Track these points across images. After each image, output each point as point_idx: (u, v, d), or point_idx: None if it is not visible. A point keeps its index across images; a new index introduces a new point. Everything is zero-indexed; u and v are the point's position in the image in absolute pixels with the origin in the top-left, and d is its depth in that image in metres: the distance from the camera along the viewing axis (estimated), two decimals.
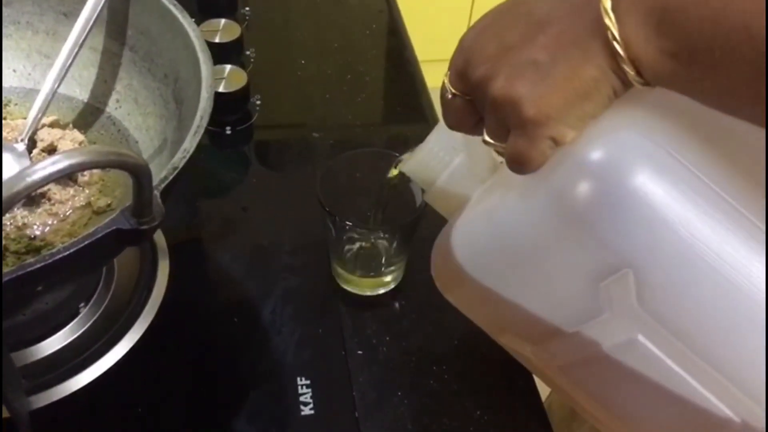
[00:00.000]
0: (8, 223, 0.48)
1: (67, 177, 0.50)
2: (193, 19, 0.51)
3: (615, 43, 0.30)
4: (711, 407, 0.35)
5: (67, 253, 0.35)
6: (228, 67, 0.74)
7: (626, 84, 0.31)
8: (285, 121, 0.78)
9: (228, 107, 0.73)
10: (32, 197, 0.49)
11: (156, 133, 0.53)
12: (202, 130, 0.43)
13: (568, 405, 0.64)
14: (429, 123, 0.77)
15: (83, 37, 0.52)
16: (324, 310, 0.60)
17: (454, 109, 0.37)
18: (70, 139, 0.53)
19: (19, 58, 0.57)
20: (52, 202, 0.49)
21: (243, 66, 0.77)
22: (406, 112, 0.80)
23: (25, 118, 0.53)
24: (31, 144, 0.52)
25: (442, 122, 0.40)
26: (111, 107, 0.56)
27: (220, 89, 0.71)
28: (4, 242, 0.47)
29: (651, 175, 0.32)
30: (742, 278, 0.32)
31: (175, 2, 0.51)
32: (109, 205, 0.51)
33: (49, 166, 0.29)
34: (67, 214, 0.50)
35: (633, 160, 0.32)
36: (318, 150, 0.74)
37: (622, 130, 0.33)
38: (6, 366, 0.42)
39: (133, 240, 0.38)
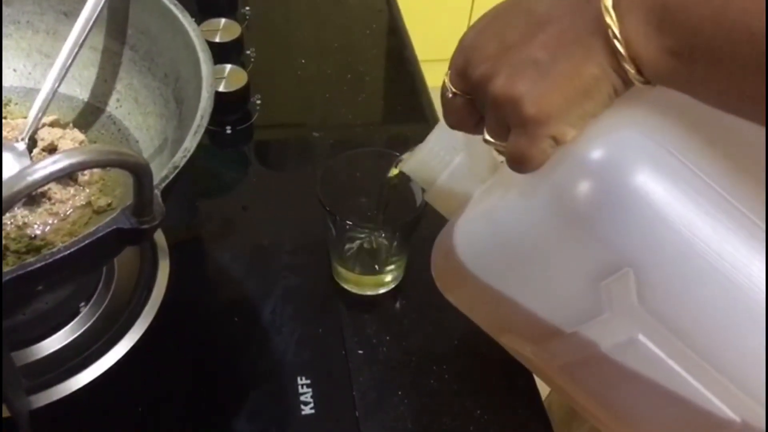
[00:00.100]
0: (9, 223, 0.48)
1: (67, 176, 0.50)
2: (193, 19, 0.51)
3: (616, 42, 0.30)
4: (711, 407, 0.35)
5: (68, 252, 0.35)
6: (228, 66, 0.74)
7: (627, 83, 0.31)
8: (285, 120, 0.78)
9: (228, 107, 0.73)
10: (33, 196, 0.49)
11: (156, 133, 0.53)
12: (202, 130, 0.43)
13: (567, 405, 0.64)
14: (429, 122, 0.77)
15: (83, 37, 0.52)
16: (324, 310, 0.60)
17: (455, 108, 0.37)
18: (71, 139, 0.53)
19: (20, 57, 0.57)
20: (53, 201, 0.49)
21: (243, 66, 0.77)
22: (406, 111, 0.80)
23: (25, 118, 0.53)
24: (32, 143, 0.52)
25: (442, 121, 0.40)
26: (111, 106, 0.56)
27: (221, 89, 0.71)
28: (4, 242, 0.47)
29: (652, 174, 0.32)
30: (743, 277, 0.32)
31: (176, 1, 0.51)
32: (109, 205, 0.50)
33: (49, 165, 0.29)
34: (68, 213, 0.49)
35: (634, 159, 0.32)
36: (318, 149, 0.74)
37: (623, 129, 0.33)
38: (6, 365, 0.42)
39: (134, 239, 0.38)
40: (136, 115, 0.55)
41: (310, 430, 0.53)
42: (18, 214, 0.48)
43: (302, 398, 0.54)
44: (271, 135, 0.76)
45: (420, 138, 0.45)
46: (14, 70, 0.57)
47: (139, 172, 0.33)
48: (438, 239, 0.44)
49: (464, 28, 0.36)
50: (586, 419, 0.54)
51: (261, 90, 0.77)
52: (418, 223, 0.56)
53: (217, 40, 0.77)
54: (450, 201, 0.44)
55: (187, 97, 0.49)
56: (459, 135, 0.41)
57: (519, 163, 0.34)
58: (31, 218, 0.48)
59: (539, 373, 0.46)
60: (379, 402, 0.54)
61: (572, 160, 0.33)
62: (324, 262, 0.62)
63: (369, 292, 0.61)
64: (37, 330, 0.53)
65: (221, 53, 0.74)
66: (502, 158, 0.37)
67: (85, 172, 0.51)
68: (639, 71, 0.30)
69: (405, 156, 0.48)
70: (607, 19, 0.29)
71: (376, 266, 0.60)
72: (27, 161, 0.51)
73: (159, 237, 0.59)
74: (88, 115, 0.56)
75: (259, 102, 0.77)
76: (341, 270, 0.61)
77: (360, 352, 0.57)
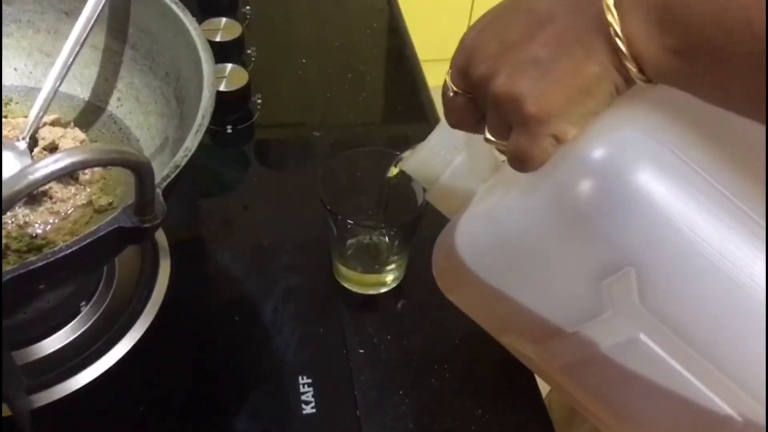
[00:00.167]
0: (10, 222, 0.48)
1: (68, 175, 0.50)
2: (194, 18, 0.51)
3: (617, 40, 0.30)
4: (713, 406, 0.35)
5: (70, 251, 0.35)
6: (229, 66, 0.74)
7: (628, 81, 0.31)
8: (286, 120, 0.78)
9: (229, 106, 0.73)
10: (34, 196, 0.49)
11: (157, 132, 0.53)
12: (204, 129, 0.43)
13: (568, 404, 0.64)
14: (430, 122, 0.77)
15: (84, 36, 0.52)
16: (325, 309, 0.60)
17: (456, 107, 0.37)
18: (72, 138, 0.53)
19: (21, 56, 0.57)
20: (54, 200, 0.49)
21: (244, 65, 0.77)
22: (406, 111, 0.80)
23: (26, 117, 0.53)
24: (33, 142, 0.52)
25: (443, 121, 0.40)
26: (112, 106, 0.56)
27: (221, 88, 0.71)
28: (5, 241, 0.47)
29: (653, 173, 0.32)
30: (745, 276, 0.32)
31: (177, 0, 0.51)
32: (110, 204, 0.51)
33: (51, 164, 0.29)
34: (69, 212, 0.49)
35: (635, 158, 0.32)
36: (319, 149, 0.74)
37: (625, 127, 0.33)
38: (7, 364, 0.42)
39: (135, 238, 0.38)
40: (137, 114, 0.55)
41: (312, 430, 0.53)
42: (19, 213, 0.48)
43: (303, 398, 0.54)
44: (272, 134, 0.76)
45: (420, 137, 0.45)
46: (15, 69, 0.57)
47: (141, 171, 0.33)
48: (439, 239, 0.44)
49: (465, 28, 0.36)
50: (586, 419, 0.54)
51: (262, 89, 0.77)
52: (419, 223, 0.56)
53: (218, 39, 0.77)
54: (451, 200, 0.44)
55: (188, 96, 0.49)
56: (460, 134, 0.41)
57: (520, 161, 0.34)
58: (32, 217, 0.48)
59: (540, 372, 0.46)
60: (380, 401, 0.54)
61: (573, 159, 0.33)
62: (325, 261, 0.62)
63: (370, 292, 0.61)
64: (38, 329, 0.53)
65: (222, 52, 0.74)
66: (503, 157, 0.37)
67: (86, 171, 0.51)
68: (640, 69, 0.30)
69: (405, 154, 0.48)
70: (609, 18, 0.29)
71: (377, 266, 0.60)
72: (28, 160, 0.51)
73: (160, 236, 0.59)
74: (89, 114, 0.57)
75: (259, 101, 0.77)
76: (342, 269, 0.61)
77: (361, 351, 0.57)
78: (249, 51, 0.82)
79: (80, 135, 0.54)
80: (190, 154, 0.41)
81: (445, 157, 0.44)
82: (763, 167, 0.33)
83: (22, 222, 0.48)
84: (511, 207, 0.37)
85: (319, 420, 0.53)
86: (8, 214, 0.48)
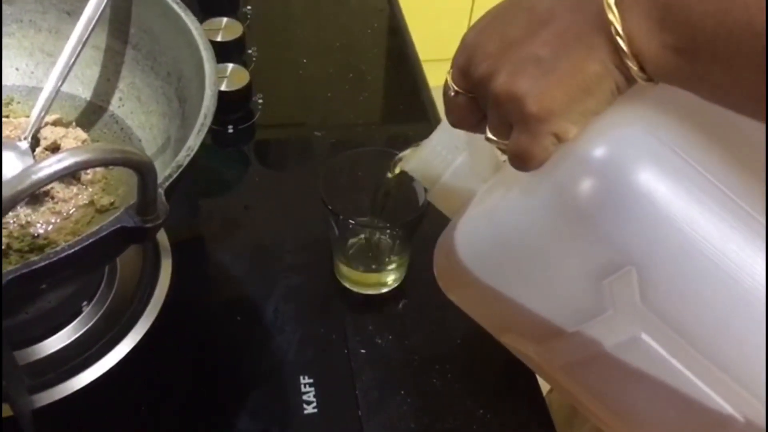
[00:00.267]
0: (12, 222, 0.48)
1: (70, 175, 0.50)
2: (195, 18, 0.51)
3: (618, 38, 0.30)
4: (714, 405, 0.35)
5: (72, 251, 0.35)
6: (230, 65, 0.74)
7: (629, 80, 0.31)
8: (287, 119, 0.78)
9: (230, 106, 0.73)
10: (35, 195, 0.49)
11: (159, 132, 0.53)
12: (206, 129, 0.43)
13: (569, 404, 0.64)
14: (430, 122, 0.77)
15: (86, 36, 0.52)
16: (326, 309, 0.60)
17: (457, 106, 0.37)
18: (73, 138, 0.53)
19: (22, 56, 0.57)
20: (56, 200, 0.49)
21: (245, 65, 0.77)
22: (407, 111, 0.80)
23: (28, 117, 0.53)
24: (34, 142, 0.52)
25: (445, 121, 0.40)
26: (114, 105, 0.56)
27: (222, 88, 0.72)
28: (7, 241, 0.47)
29: (654, 172, 0.32)
30: (746, 275, 0.32)
31: (178, 0, 0.51)
32: (112, 204, 0.51)
33: (54, 163, 0.29)
34: (71, 212, 0.50)
35: (636, 157, 0.32)
36: (319, 149, 0.74)
37: (626, 126, 0.33)
38: (8, 364, 0.42)
39: (138, 238, 0.38)
40: (138, 114, 0.55)
41: (313, 430, 0.53)
42: (21, 213, 0.48)
43: (305, 397, 0.54)
44: (273, 134, 0.76)
45: (421, 137, 0.46)
46: (17, 69, 0.57)
47: (144, 171, 0.33)
48: (440, 239, 0.44)
49: (465, 28, 0.36)
50: (587, 418, 0.54)
51: (263, 89, 0.77)
52: (420, 223, 0.56)
53: (219, 39, 0.77)
54: (452, 200, 0.44)
55: (189, 96, 0.49)
56: (461, 134, 0.41)
57: (521, 160, 0.34)
58: (34, 217, 0.48)
59: (541, 372, 0.46)
60: (381, 401, 0.54)
61: (574, 158, 0.33)
62: (326, 261, 0.62)
63: (371, 292, 0.61)
64: (39, 329, 0.53)
65: (223, 52, 0.74)
66: (504, 157, 0.37)
67: (88, 171, 0.51)
68: (641, 68, 0.30)
69: (405, 154, 0.48)
70: (610, 16, 0.29)
71: (379, 265, 0.60)
72: (30, 160, 0.51)
73: (161, 236, 0.59)
74: (91, 114, 0.57)
75: (260, 101, 0.77)
76: (344, 269, 0.61)
77: (362, 351, 0.57)
78: (250, 51, 0.82)
79: (82, 135, 0.54)
80: (192, 154, 0.41)
81: (446, 157, 0.44)
82: (763, 166, 0.33)
83: (24, 222, 0.48)
84: (511, 206, 0.37)
85: (321, 420, 0.53)
86: (10, 214, 0.48)
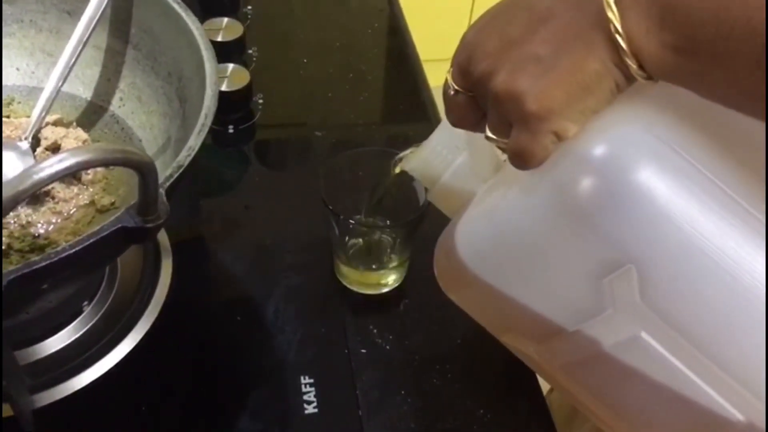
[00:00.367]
0: (12, 222, 0.48)
1: (71, 175, 0.50)
2: (196, 18, 0.51)
3: (617, 37, 0.30)
4: (714, 405, 0.35)
5: (73, 251, 0.35)
6: (230, 66, 0.74)
7: (629, 78, 0.31)
8: (287, 119, 0.78)
9: (230, 106, 0.73)
10: (36, 196, 0.49)
11: (160, 132, 0.53)
12: (206, 129, 0.43)
13: (569, 404, 0.64)
14: (431, 122, 0.77)
15: (87, 36, 0.52)
16: (327, 309, 0.60)
17: (457, 105, 0.37)
18: (74, 138, 0.53)
19: (23, 56, 0.57)
20: (56, 200, 0.49)
21: (245, 65, 0.77)
22: (407, 111, 0.80)
23: (28, 117, 0.53)
24: (35, 142, 0.52)
25: (445, 121, 0.40)
26: (114, 105, 0.57)
27: (223, 88, 0.72)
28: (8, 241, 0.47)
29: (654, 171, 0.32)
30: (746, 274, 0.32)
31: (179, 0, 0.51)
32: (112, 204, 0.51)
33: (55, 163, 0.29)
34: (71, 212, 0.50)
35: (636, 156, 0.32)
36: (320, 149, 0.74)
37: (625, 125, 0.33)
38: (9, 364, 0.42)
39: (138, 238, 0.38)
40: (139, 114, 0.55)
41: (313, 429, 0.53)
42: (21, 213, 0.48)
43: (305, 397, 0.54)
44: (273, 134, 0.76)
45: (421, 137, 0.46)
46: (17, 69, 0.57)
47: (144, 171, 0.33)
48: (440, 238, 0.44)
49: (465, 28, 0.36)
50: (588, 418, 0.54)
51: (263, 89, 0.77)
52: (421, 222, 0.56)
53: (219, 39, 0.77)
54: (452, 200, 0.45)
55: (190, 96, 0.49)
56: (462, 134, 0.41)
57: (521, 159, 0.34)
58: (34, 217, 0.48)
59: (541, 371, 0.46)
60: (381, 401, 0.54)
61: (574, 157, 0.33)
62: (326, 261, 0.62)
63: (372, 292, 0.62)
64: (40, 329, 0.53)
65: (223, 52, 0.74)
66: (504, 156, 0.37)
67: (89, 171, 0.51)
68: (641, 66, 0.30)
69: (405, 154, 0.48)
70: (609, 14, 0.30)
71: (379, 265, 0.60)
72: (30, 160, 0.51)
73: (161, 236, 0.59)
74: (92, 114, 0.57)
75: (261, 101, 0.77)
76: (344, 269, 0.61)
77: (363, 351, 0.57)
78: (250, 51, 0.82)
79: (82, 135, 0.54)
80: (193, 154, 0.41)
81: (446, 157, 0.44)
82: (763, 164, 0.33)
83: (24, 222, 0.48)
84: (511, 205, 0.37)
85: (321, 420, 0.53)
86: (11, 214, 0.48)
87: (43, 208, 0.49)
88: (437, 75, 0.56)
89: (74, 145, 0.53)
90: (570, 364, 0.40)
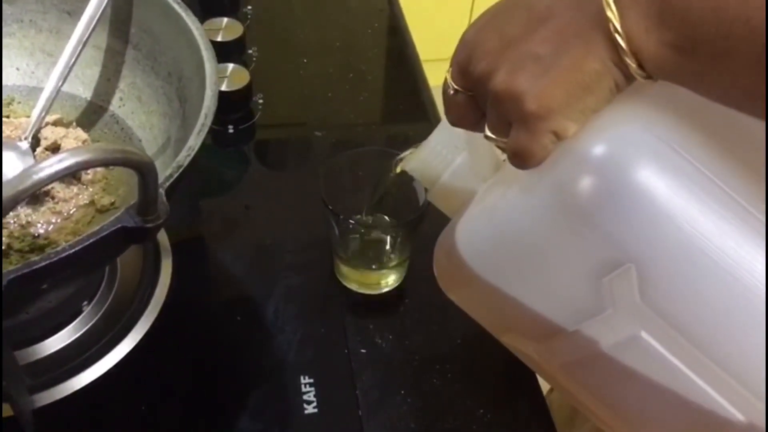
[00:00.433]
0: (12, 222, 0.48)
1: (71, 175, 0.50)
2: (196, 18, 0.51)
3: (617, 36, 0.30)
4: (714, 405, 0.35)
5: (73, 251, 0.35)
6: (230, 65, 0.74)
7: (628, 77, 0.31)
8: (287, 119, 0.78)
9: (230, 106, 0.73)
10: (36, 195, 0.49)
11: (160, 132, 0.53)
12: (206, 129, 0.43)
13: (569, 404, 0.64)
14: (431, 122, 0.77)
15: (87, 36, 0.52)
16: (327, 309, 0.60)
17: (457, 105, 0.37)
18: (74, 138, 0.53)
19: (23, 56, 0.57)
20: (56, 200, 0.49)
21: (245, 65, 0.77)
22: (407, 111, 0.80)
23: (28, 117, 0.53)
24: (35, 142, 0.52)
25: (445, 121, 0.40)
26: (114, 105, 0.57)
27: (223, 88, 0.72)
28: (8, 241, 0.47)
29: (654, 170, 0.32)
30: (746, 273, 0.32)
31: (179, 0, 0.51)
32: (112, 204, 0.51)
33: (55, 163, 0.29)
34: (71, 212, 0.50)
35: (635, 155, 0.32)
36: (319, 149, 0.74)
37: (625, 124, 0.33)
38: (9, 364, 0.42)
39: (138, 238, 0.38)
40: (139, 114, 0.55)
41: (313, 429, 0.53)
42: (21, 213, 0.48)
43: (305, 397, 0.54)
44: (273, 134, 0.76)
45: (421, 137, 0.46)
46: (17, 69, 0.57)
47: (144, 171, 0.33)
48: (440, 238, 0.44)
49: (465, 28, 0.36)
50: (588, 418, 0.54)
51: (263, 89, 0.77)
52: (421, 222, 0.56)
53: (219, 39, 0.77)
54: (452, 200, 0.45)
55: (190, 96, 0.49)
56: (461, 134, 0.41)
57: (520, 158, 0.34)
58: (34, 217, 0.48)
59: (541, 371, 0.46)
60: (381, 401, 0.54)
61: (574, 156, 0.33)
62: (326, 261, 0.62)
63: (372, 291, 0.62)
64: (39, 329, 0.53)
65: (223, 52, 0.74)
66: (504, 156, 0.37)
67: (89, 171, 0.51)
68: (640, 65, 0.30)
69: (404, 154, 0.48)
70: (608, 13, 0.30)
71: (379, 265, 0.60)
72: (30, 160, 0.51)
73: (161, 236, 0.59)
74: (91, 114, 0.57)
75: (261, 101, 0.77)
76: (344, 269, 0.61)
77: (363, 351, 0.57)
78: (250, 51, 0.82)
79: (82, 135, 0.54)
80: (193, 154, 0.41)
81: (446, 157, 0.44)
82: (763, 164, 0.33)
83: (24, 222, 0.48)
84: (511, 205, 0.37)
85: (321, 420, 0.53)
86: (11, 214, 0.48)
87: (42, 208, 0.49)
88: (437, 75, 0.56)
89: (74, 145, 0.53)
90: (570, 363, 0.40)
